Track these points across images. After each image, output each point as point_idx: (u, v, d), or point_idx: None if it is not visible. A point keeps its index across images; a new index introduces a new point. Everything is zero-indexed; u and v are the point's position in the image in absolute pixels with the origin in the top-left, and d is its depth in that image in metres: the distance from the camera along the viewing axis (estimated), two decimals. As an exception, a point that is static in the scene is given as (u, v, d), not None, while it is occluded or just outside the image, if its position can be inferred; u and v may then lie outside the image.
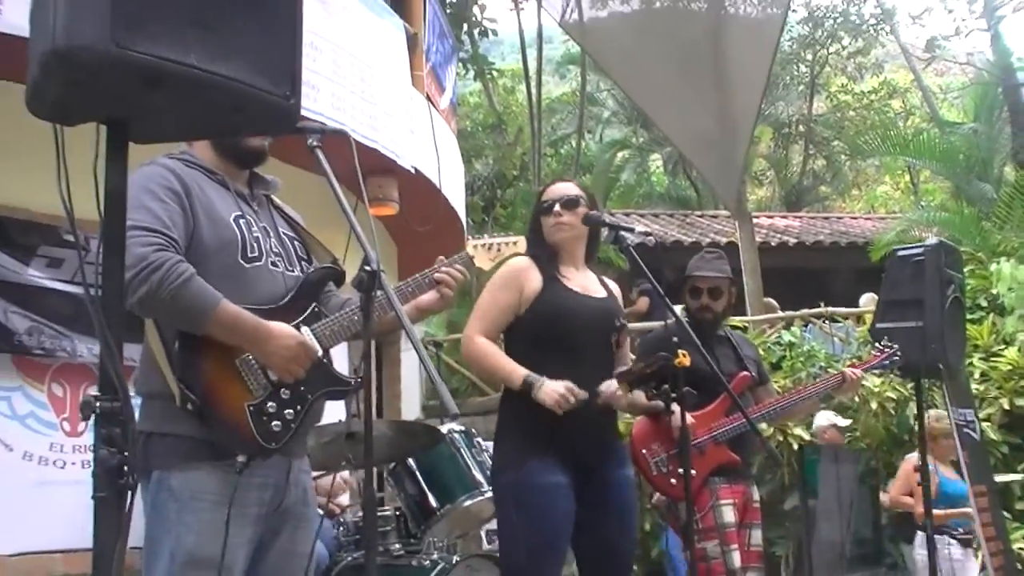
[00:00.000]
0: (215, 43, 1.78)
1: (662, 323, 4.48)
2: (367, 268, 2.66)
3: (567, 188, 4.14)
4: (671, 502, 4.78)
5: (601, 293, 4.08)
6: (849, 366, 5.26)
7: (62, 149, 1.78)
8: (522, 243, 3.60)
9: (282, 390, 2.88)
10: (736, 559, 4.59)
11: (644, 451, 4.73)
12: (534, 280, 3.91)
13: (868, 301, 11.15)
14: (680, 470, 4.49)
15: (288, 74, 1.93)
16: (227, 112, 1.88)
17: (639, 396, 4.68)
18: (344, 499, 5.88)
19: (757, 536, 4.87)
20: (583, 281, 4.05)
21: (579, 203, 4.05)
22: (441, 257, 3.32)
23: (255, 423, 2.81)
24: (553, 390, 3.68)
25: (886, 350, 5.11)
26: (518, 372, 3.77)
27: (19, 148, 4.89)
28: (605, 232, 4.04)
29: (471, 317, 4.00)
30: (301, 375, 2.89)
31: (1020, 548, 7.08)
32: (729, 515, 4.65)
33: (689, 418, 4.53)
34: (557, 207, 4.03)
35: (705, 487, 4.66)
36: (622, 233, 3.93)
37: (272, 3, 1.92)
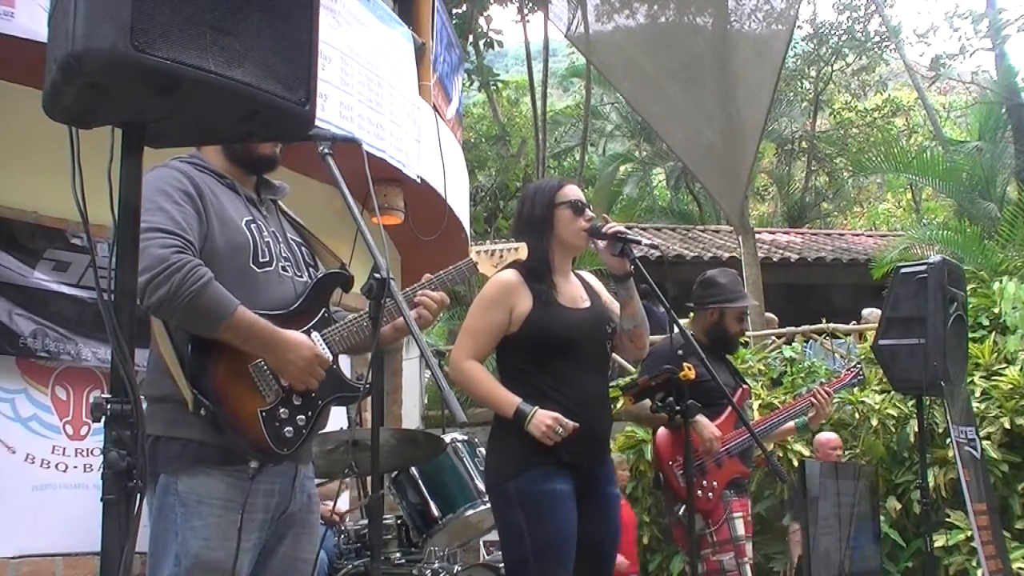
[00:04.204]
0: (232, 49, 1.79)
1: (667, 336, 4.49)
2: (377, 276, 2.67)
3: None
4: (684, 513, 4.79)
5: (587, 301, 3.99)
6: (819, 387, 5.34)
7: (77, 153, 1.79)
8: (524, 250, 3.53)
9: (294, 396, 2.88)
10: (749, 571, 4.63)
11: (671, 463, 4.76)
12: (524, 299, 3.83)
13: (871, 316, 11.15)
14: (705, 481, 4.55)
15: (303, 81, 1.94)
16: (243, 117, 1.89)
17: (647, 406, 4.71)
18: (344, 506, 5.87)
19: (749, 549, 4.90)
20: (571, 291, 3.97)
21: None
22: (428, 274, 3.30)
23: (268, 429, 2.81)
24: (541, 422, 3.66)
25: (852, 369, 5.35)
26: (511, 402, 3.73)
27: (28, 151, 4.92)
28: (611, 244, 3.95)
29: (460, 339, 3.93)
30: (315, 386, 2.91)
31: (1020, 568, 7.07)
32: (741, 528, 4.70)
33: (716, 430, 4.58)
34: (589, 212, 3.98)
35: (720, 500, 4.69)
36: (629, 246, 3.89)
37: (288, 10, 1.94)
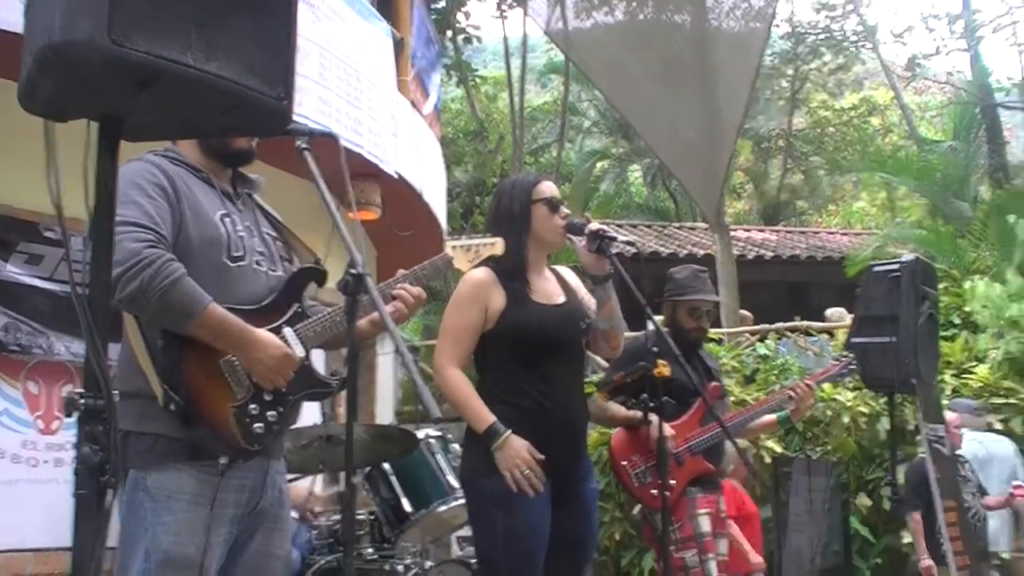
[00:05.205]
0: (211, 43, 1.78)
1: (640, 333, 4.48)
2: (353, 271, 2.66)
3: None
4: (648, 512, 4.80)
5: (562, 296, 3.97)
6: (802, 379, 5.32)
7: (53, 146, 1.78)
8: (500, 244, 3.51)
9: (264, 392, 2.88)
10: (714, 568, 4.64)
11: (624, 463, 4.76)
12: (497, 297, 3.81)
13: (834, 315, 11.24)
14: (662, 480, 4.54)
15: (281, 76, 1.94)
16: (221, 112, 1.88)
17: (617, 407, 4.72)
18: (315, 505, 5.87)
19: (723, 546, 4.91)
20: (546, 287, 3.95)
21: None
22: (401, 270, 3.28)
23: (238, 425, 2.81)
24: (510, 457, 3.64)
25: (842, 359, 5.28)
26: (485, 419, 3.70)
27: (1, 144, 4.88)
28: (588, 241, 3.89)
29: (441, 341, 3.90)
30: (283, 385, 2.90)
31: (988, 564, 7.13)
32: (706, 525, 4.69)
33: (669, 429, 4.57)
34: (565, 210, 3.97)
35: (683, 497, 4.70)
36: (606, 243, 3.88)
37: (267, 5, 1.93)
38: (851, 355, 5.20)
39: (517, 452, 3.65)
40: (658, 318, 4.56)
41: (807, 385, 5.07)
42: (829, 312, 11.49)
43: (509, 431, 3.67)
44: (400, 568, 4.71)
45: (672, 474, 4.69)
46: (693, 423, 4.81)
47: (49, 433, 5.35)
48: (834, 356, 5.79)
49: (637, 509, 4.90)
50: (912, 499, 6.82)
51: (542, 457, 3.68)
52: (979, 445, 7.27)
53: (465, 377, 3.82)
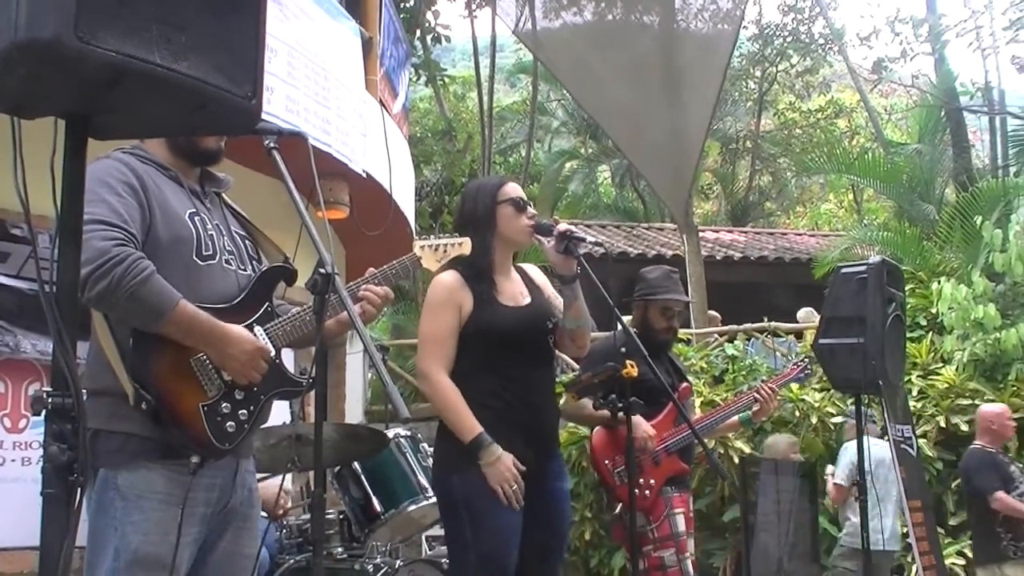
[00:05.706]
0: (179, 42, 1.77)
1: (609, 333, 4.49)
2: (322, 271, 2.66)
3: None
4: (624, 511, 4.81)
5: (527, 297, 3.98)
6: (764, 383, 5.39)
7: (19, 143, 1.76)
8: (468, 244, 3.51)
9: (236, 391, 2.87)
10: (690, 567, 4.67)
11: (607, 461, 4.78)
12: (467, 299, 3.83)
13: (806, 315, 11.31)
14: (642, 480, 4.57)
15: (250, 75, 1.93)
16: (189, 111, 1.87)
17: (586, 405, 4.73)
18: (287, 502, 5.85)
19: (691, 544, 4.95)
20: (512, 289, 3.96)
21: None
22: (371, 269, 3.28)
23: (209, 423, 2.80)
24: (500, 473, 3.65)
25: (799, 363, 5.38)
26: (471, 429, 3.70)
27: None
28: (556, 241, 3.89)
29: (423, 347, 3.90)
30: (257, 379, 2.89)
31: (953, 563, 7.19)
32: (682, 524, 4.74)
33: (651, 428, 4.60)
34: (532, 209, 3.98)
35: (660, 496, 4.73)
36: (574, 243, 3.89)
37: (236, 4, 1.92)
38: (806, 358, 5.30)
39: (507, 467, 3.67)
40: (627, 318, 4.59)
41: (770, 389, 5.14)
42: (801, 313, 11.55)
43: (499, 447, 3.68)
44: (370, 568, 4.70)
45: (649, 473, 4.73)
46: (667, 423, 4.84)
47: (16, 432, 5.30)
48: (793, 361, 5.91)
49: (619, 508, 4.91)
50: (988, 485, 6.80)
51: (524, 468, 3.70)
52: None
53: (452, 383, 3.80)
